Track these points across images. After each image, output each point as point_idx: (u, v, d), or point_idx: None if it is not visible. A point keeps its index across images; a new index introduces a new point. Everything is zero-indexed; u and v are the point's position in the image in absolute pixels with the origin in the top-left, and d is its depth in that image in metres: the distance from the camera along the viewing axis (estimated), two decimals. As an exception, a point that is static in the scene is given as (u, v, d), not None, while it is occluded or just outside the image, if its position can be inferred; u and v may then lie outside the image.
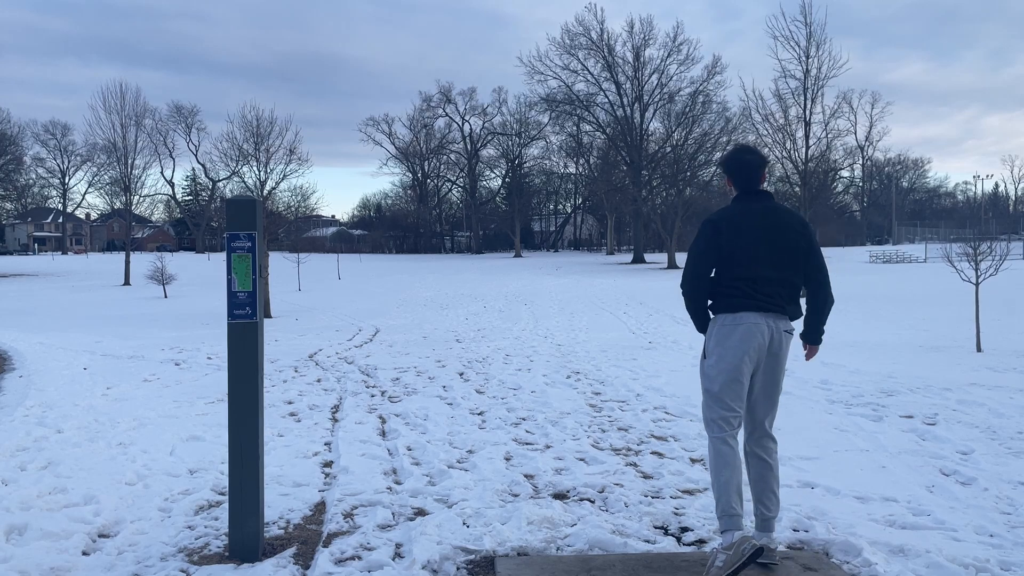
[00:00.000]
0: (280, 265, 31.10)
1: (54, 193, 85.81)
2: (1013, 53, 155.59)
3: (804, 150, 48.08)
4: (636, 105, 54.72)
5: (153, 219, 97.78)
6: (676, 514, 4.24)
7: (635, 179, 53.20)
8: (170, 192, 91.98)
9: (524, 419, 6.71)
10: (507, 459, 5.41)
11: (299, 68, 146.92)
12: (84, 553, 3.80)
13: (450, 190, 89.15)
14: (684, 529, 4.04)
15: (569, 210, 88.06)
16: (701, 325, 3.66)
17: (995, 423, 6.16)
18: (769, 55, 76.20)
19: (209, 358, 10.90)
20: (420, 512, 4.31)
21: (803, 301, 3.61)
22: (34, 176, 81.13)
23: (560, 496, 4.59)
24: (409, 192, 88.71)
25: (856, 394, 7.42)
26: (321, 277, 37.29)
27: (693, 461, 5.32)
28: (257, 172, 30.80)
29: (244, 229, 3.70)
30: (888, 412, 6.64)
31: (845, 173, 71.53)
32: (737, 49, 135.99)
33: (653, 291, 26.15)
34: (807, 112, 47.79)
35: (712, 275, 3.54)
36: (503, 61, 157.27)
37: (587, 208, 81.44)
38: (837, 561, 3.58)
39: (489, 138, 79.41)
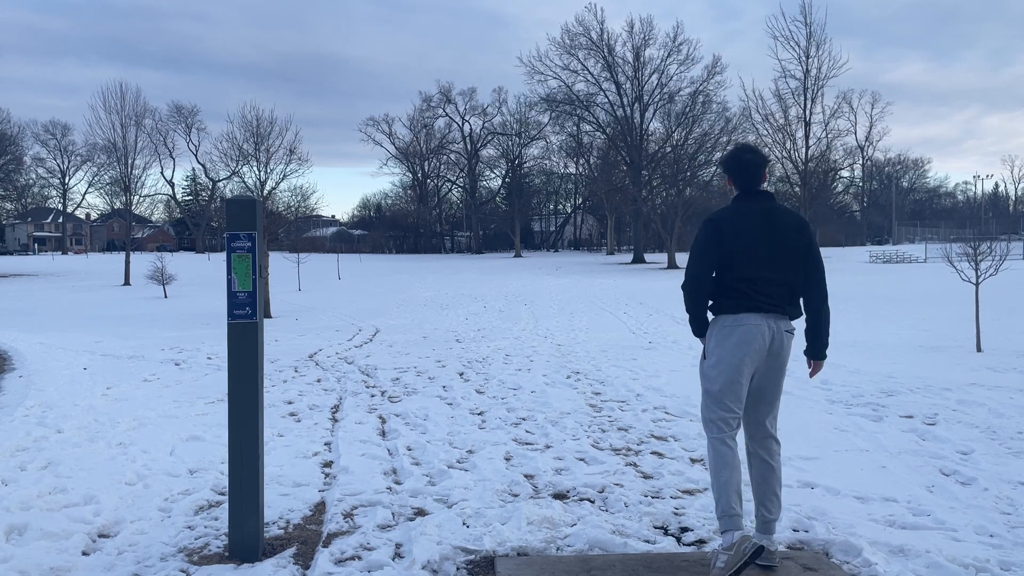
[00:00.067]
0: (280, 265, 31.10)
1: (54, 193, 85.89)
2: (1013, 53, 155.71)
3: (804, 150, 48.19)
4: (636, 105, 54.74)
5: (153, 219, 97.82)
6: (676, 514, 4.24)
7: (635, 179, 53.20)
8: (170, 192, 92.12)
9: (524, 419, 6.71)
10: (507, 459, 5.41)
11: (299, 68, 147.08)
12: (84, 553, 3.80)
13: (450, 190, 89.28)
14: (684, 529, 4.04)
15: (569, 210, 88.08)
16: (698, 328, 3.63)
17: (995, 423, 6.16)
18: (769, 55, 76.38)
19: (209, 358, 10.90)
20: (420, 512, 4.31)
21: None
22: (34, 176, 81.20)
23: (560, 496, 4.59)
24: (409, 192, 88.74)
25: (856, 394, 7.42)
26: (321, 277, 37.29)
27: (693, 461, 5.32)
28: (257, 172, 30.86)
29: (244, 229, 3.70)
30: (888, 412, 6.64)
31: (845, 173, 71.68)
32: (737, 49, 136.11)
33: (653, 291, 26.15)
34: (807, 112, 47.89)
35: (713, 275, 3.53)
36: (503, 61, 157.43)
37: (587, 208, 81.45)
38: (837, 561, 3.58)
39: (489, 138, 79.48)
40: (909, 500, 4.38)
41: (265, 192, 28.44)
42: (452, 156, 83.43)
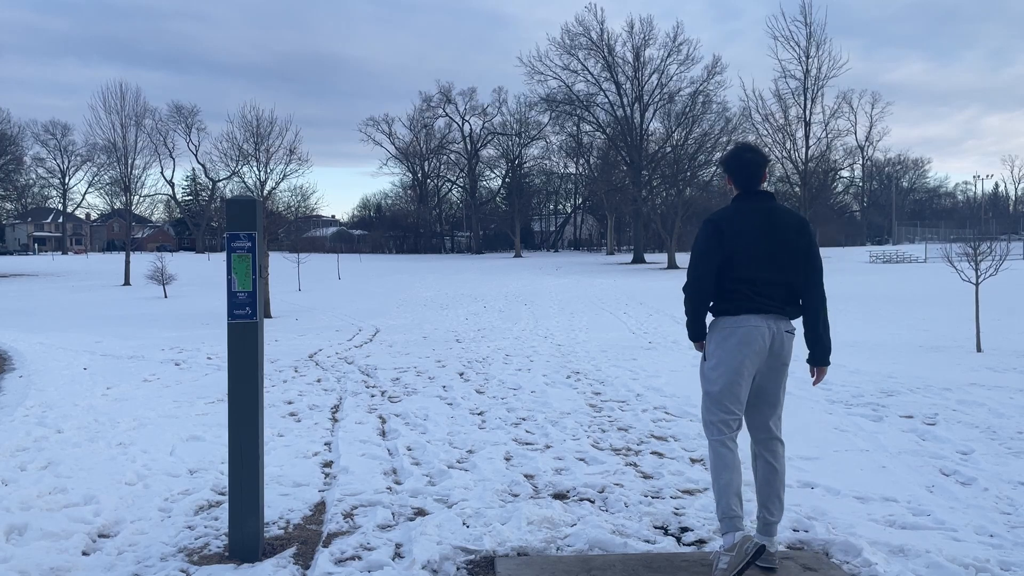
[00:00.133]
0: (280, 265, 31.10)
1: (54, 193, 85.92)
2: (1013, 53, 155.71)
3: (804, 150, 48.20)
4: (636, 105, 54.75)
5: (153, 219, 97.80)
6: (676, 514, 4.24)
7: (635, 179, 53.21)
8: (170, 192, 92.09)
9: (524, 419, 6.71)
10: (507, 459, 5.41)
11: (299, 68, 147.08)
12: (84, 553, 3.80)
13: (450, 190, 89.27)
14: (684, 529, 4.04)
15: (569, 210, 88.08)
16: (696, 332, 3.60)
17: (995, 423, 6.16)
18: (769, 55, 76.49)
19: (209, 358, 10.90)
20: (420, 512, 4.31)
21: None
22: (34, 176, 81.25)
23: (560, 496, 4.59)
24: (409, 192, 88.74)
25: (856, 394, 7.42)
26: (321, 277, 37.29)
27: (693, 461, 5.32)
28: (257, 172, 30.86)
29: (244, 229, 3.70)
30: (888, 412, 6.64)
31: (845, 173, 71.71)
32: (737, 49, 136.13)
33: (653, 291, 26.15)
34: (807, 112, 47.91)
35: (715, 276, 3.50)
36: (503, 61, 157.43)
37: (587, 208, 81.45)
38: (837, 561, 3.58)
39: (489, 138, 79.48)
40: (909, 500, 4.38)
41: (265, 192, 28.44)
42: (452, 156, 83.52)
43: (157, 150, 74.35)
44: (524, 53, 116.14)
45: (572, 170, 73.13)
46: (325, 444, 5.96)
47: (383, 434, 6.26)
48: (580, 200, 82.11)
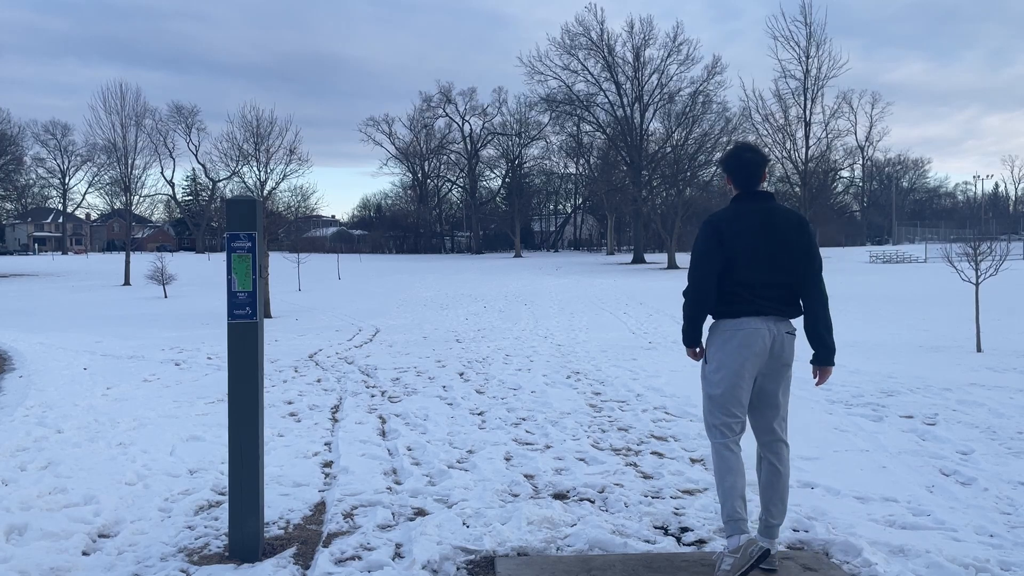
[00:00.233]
0: (280, 265, 31.10)
1: (54, 193, 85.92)
2: (1013, 53, 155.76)
3: (804, 150, 48.22)
4: (636, 105, 54.75)
5: (153, 219, 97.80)
6: (676, 514, 4.24)
7: (635, 179, 53.20)
8: (170, 192, 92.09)
9: (524, 419, 6.71)
10: (507, 459, 5.41)
11: (299, 68, 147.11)
12: (84, 553, 3.80)
13: (450, 190, 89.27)
14: (684, 529, 4.04)
15: (569, 210, 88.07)
16: (692, 338, 3.59)
17: (995, 423, 6.16)
18: (769, 55, 76.52)
19: (209, 358, 10.90)
20: (420, 512, 4.31)
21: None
22: (34, 176, 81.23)
23: (560, 496, 4.59)
24: (409, 192, 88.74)
25: (856, 394, 7.42)
26: (321, 277, 37.29)
27: (693, 461, 5.31)
28: (257, 172, 30.89)
29: (244, 229, 3.70)
30: (888, 412, 6.64)
31: (845, 173, 71.67)
32: (737, 49, 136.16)
33: (653, 291, 26.15)
34: (807, 112, 47.94)
35: (716, 280, 3.46)
36: (503, 61, 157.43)
37: (587, 208, 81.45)
38: (837, 561, 3.58)
39: (489, 138, 79.47)
40: (909, 500, 4.38)
41: (265, 192, 28.45)
42: (452, 156, 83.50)
43: (157, 150, 74.47)
44: (524, 53, 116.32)
45: (572, 170, 73.19)
46: (325, 444, 5.97)
47: (383, 434, 6.26)
48: (580, 200, 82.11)
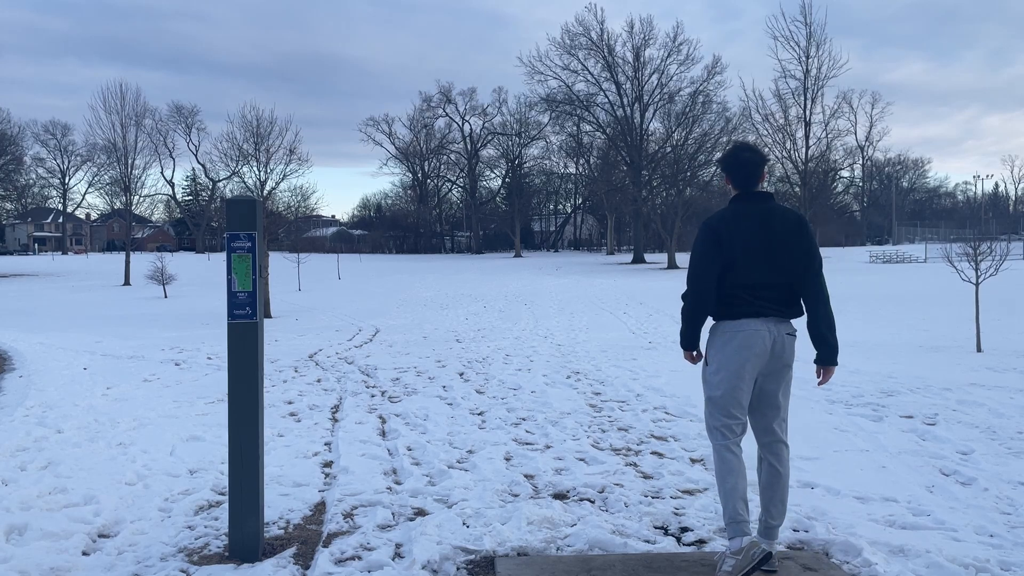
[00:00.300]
0: (280, 265, 31.10)
1: (54, 193, 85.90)
2: (1013, 53, 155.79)
3: (804, 150, 48.24)
4: (636, 105, 54.74)
5: (153, 219, 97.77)
6: (676, 514, 4.24)
7: (635, 179, 53.20)
8: (170, 192, 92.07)
9: (524, 419, 6.71)
10: (507, 459, 5.41)
11: (299, 68, 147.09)
12: (84, 553, 3.80)
13: (450, 190, 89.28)
14: (684, 529, 4.04)
15: (569, 210, 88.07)
16: (690, 341, 3.57)
17: (995, 423, 6.16)
18: (769, 55, 76.55)
19: (209, 358, 10.90)
20: (420, 512, 4.31)
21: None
22: (34, 176, 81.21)
23: (560, 496, 4.59)
24: (409, 192, 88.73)
25: (856, 394, 7.42)
26: (321, 277, 37.29)
27: (693, 461, 5.31)
28: (257, 172, 30.90)
29: (244, 229, 3.70)
30: (888, 412, 6.64)
31: (845, 173, 71.66)
32: (737, 49, 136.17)
33: (653, 291, 26.15)
34: (807, 112, 47.96)
35: (715, 283, 3.44)
36: (503, 61, 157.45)
37: (587, 208, 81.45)
38: (837, 561, 3.58)
39: (489, 138, 79.47)
40: (909, 500, 4.38)
41: (265, 192, 28.45)
42: (452, 156, 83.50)
43: (157, 150, 74.46)
44: (524, 53, 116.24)
45: (572, 170, 73.21)
46: (325, 444, 5.97)
47: (383, 434, 6.26)
48: (580, 200, 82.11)
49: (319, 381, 8.91)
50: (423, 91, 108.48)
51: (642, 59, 54.39)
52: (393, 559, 3.67)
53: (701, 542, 3.87)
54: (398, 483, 4.91)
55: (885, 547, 3.68)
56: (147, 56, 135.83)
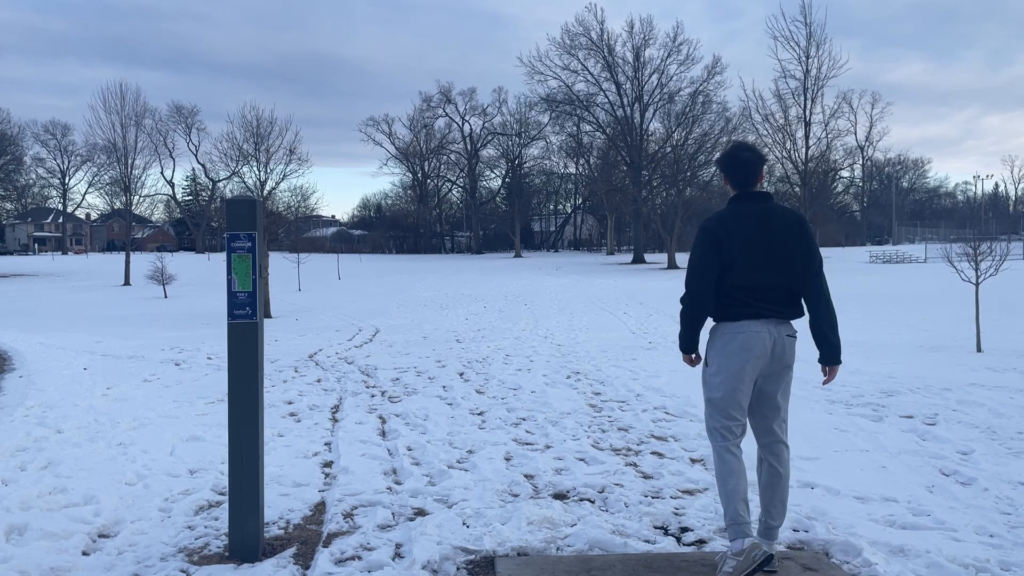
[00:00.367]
0: (280, 265, 31.10)
1: (54, 193, 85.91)
2: (1013, 53, 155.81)
3: (804, 150, 48.29)
4: (636, 105, 54.75)
5: (153, 219, 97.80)
6: (676, 514, 4.24)
7: (635, 179, 53.21)
8: (170, 192, 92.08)
9: (524, 419, 6.70)
10: (507, 459, 5.41)
11: (299, 68, 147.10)
12: (84, 553, 3.80)
13: (450, 190, 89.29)
14: (684, 529, 4.04)
15: (569, 210, 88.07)
16: (689, 345, 3.56)
17: (995, 423, 6.16)
18: (769, 55, 76.63)
19: (209, 358, 10.90)
20: (420, 512, 4.31)
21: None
22: (34, 176, 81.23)
23: (560, 496, 4.59)
24: (409, 192, 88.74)
25: (856, 394, 7.42)
26: (321, 277, 37.29)
27: (693, 461, 5.31)
28: (257, 172, 30.91)
29: (244, 229, 3.70)
30: (888, 412, 6.64)
31: (845, 173, 71.71)
32: (737, 49, 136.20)
33: (653, 291, 26.15)
34: (807, 112, 48.01)
35: (714, 286, 3.43)
36: (503, 61, 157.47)
37: (587, 208, 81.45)
38: (837, 561, 3.58)
39: (489, 138, 79.48)
40: (909, 500, 4.38)
41: (265, 192, 28.46)
42: (452, 156, 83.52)
43: (157, 150, 74.47)
44: (524, 53, 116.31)
45: (572, 170, 73.20)
46: (325, 444, 5.97)
47: (383, 434, 6.26)
48: (580, 200, 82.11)
49: (319, 381, 8.91)
50: (423, 91, 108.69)
51: (642, 59, 54.44)
52: (393, 559, 3.67)
53: (701, 542, 3.87)
54: (398, 483, 4.91)
55: (885, 547, 3.68)
56: (147, 56, 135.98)
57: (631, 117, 54.91)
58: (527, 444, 5.84)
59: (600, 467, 5.18)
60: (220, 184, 78.41)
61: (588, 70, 55.67)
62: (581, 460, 5.37)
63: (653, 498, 4.53)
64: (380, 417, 6.90)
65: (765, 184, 3.58)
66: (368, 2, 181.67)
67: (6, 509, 4.29)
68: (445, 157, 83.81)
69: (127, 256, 37.92)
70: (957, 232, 51.02)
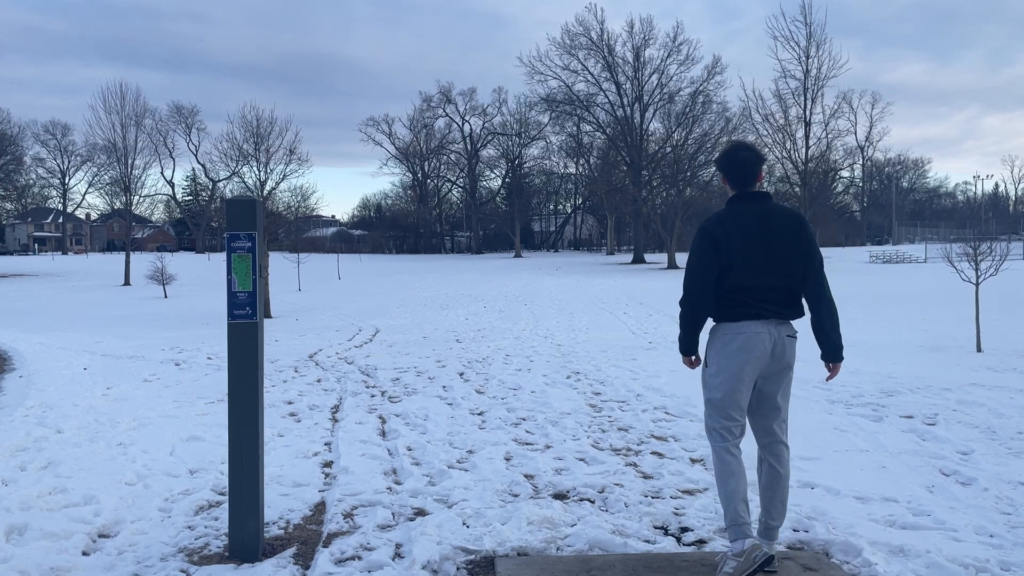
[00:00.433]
0: (280, 265, 31.10)
1: (54, 193, 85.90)
2: (1013, 53, 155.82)
3: (804, 150, 48.28)
4: (636, 105, 54.74)
5: (153, 219, 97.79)
6: (676, 514, 4.24)
7: (635, 179, 53.20)
8: (170, 192, 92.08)
9: (524, 419, 6.70)
10: (507, 459, 5.41)
11: (299, 68, 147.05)
12: (84, 553, 3.80)
13: (450, 190, 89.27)
14: (684, 529, 4.04)
15: (569, 210, 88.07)
16: (690, 346, 3.55)
17: (995, 423, 6.16)
18: (769, 55, 76.62)
19: (209, 358, 10.90)
20: (420, 512, 4.31)
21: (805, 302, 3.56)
22: (34, 176, 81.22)
23: (560, 496, 4.59)
24: (409, 192, 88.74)
25: (856, 394, 7.42)
26: (321, 277, 37.29)
27: (693, 461, 5.31)
28: (257, 172, 30.90)
29: (244, 229, 3.70)
30: (888, 412, 6.64)
31: (845, 173, 71.68)
32: (737, 49, 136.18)
33: (653, 291, 26.15)
34: (807, 112, 48.00)
35: (713, 289, 3.42)
36: (503, 61, 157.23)
37: (587, 208, 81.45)
38: (837, 561, 3.58)
39: (489, 138, 79.46)
40: (909, 500, 4.38)
41: (265, 192, 28.45)
42: (452, 156, 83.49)
43: (157, 150, 74.49)
44: (524, 53, 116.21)
45: (572, 170, 73.16)
46: (325, 444, 5.97)
47: (383, 434, 6.26)
48: (580, 200, 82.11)
49: (319, 381, 8.91)
50: (423, 91, 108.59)
51: (642, 59, 54.42)
52: (393, 559, 3.67)
53: (701, 542, 3.87)
54: (398, 483, 4.91)
55: (885, 547, 3.68)
56: (147, 56, 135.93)
57: (631, 117, 54.91)
58: (527, 444, 5.84)
59: (600, 467, 5.18)
60: (220, 184, 78.47)
61: (588, 70, 55.72)
62: (581, 460, 5.37)
63: (653, 498, 4.53)
64: (380, 417, 6.90)
65: (765, 184, 3.58)
66: (368, 2, 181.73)
67: (6, 509, 4.29)
68: (445, 157, 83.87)
69: (127, 256, 37.92)
70: (957, 232, 51.03)
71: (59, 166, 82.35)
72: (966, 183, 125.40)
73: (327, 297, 26.07)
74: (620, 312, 18.88)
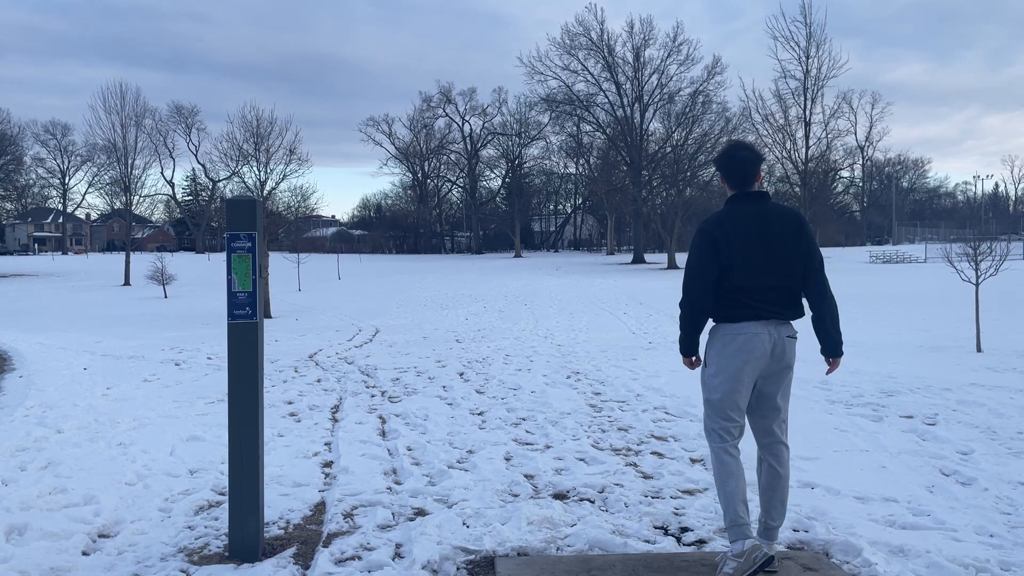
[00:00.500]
0: (280, 265, 31.10)
1: (54, 193, 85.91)
2: (1013, 53, 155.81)
3: (804, 150, 48.33)
4: (636, 105, 54.74)
5: (153, 219, 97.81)
6: (676, 514, 4.24)
7: (635, 179, 53.21)
8: (170, 192, 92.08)
9: (524, 419, 6.70)
10: (507, 459, 5.41)
11: (299, 68, 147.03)
12: (84, 553, 3.80)
13: (450, 190, 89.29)
14: (684, 529, 4.04)
15: (569, 210, 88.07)
16: (690, 348, 3.55)
17: (995, 423, 6.16)
18: (769, 55, 76.58)
19: (209, 358, 10.90)
20: (420, 512, 4.31)
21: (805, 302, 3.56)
22: (34, 176, 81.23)
23: (560, 496, 4.59)
24: (409, 192, 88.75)
25: (856, 394, 7.42)
26: (321, 277, 37.29)
27: (693, 461, 5.31)
28: (257, 172, 30.90)
29: (244, 229, 3.70)
30: (888, 412, 6.64)
31: (845, 173, 71.74)
32: (737, 49, 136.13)
33: (653, 291, 26.15)
34: (807, 112, 48.05)
35: (712, 290, 3.42)
36: (503, 61, 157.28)
37: (587, 208, 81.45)
38: (837, 561, 3.58)
39: (489, 138, 79.47)
40: (909, 500, 4.38)
41: (265, 192, 28.46)
42: (452, 156, 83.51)
43: (157, 150, 74.55)
44: (524, 53, 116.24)
45: (572, 170, 73.17)
46: (325, 444, 5.97)
47: (383, 434, 6.26)
48: (580, 200, 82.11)
49: (319, 381, 8.91)
50: (423, 91, 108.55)
51: (642, 59, 54.42)
52: (393, 559, 3.67)
53: (701, 542, 3.87)
54: (398, 483, 4.91)
55: (885, 547, 3.68)
56: (147, 56, 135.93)
57: (631, 117, 54.91)
58: (527, 444, 5.84)
59: (600, 467, 5.18)
60: (220, 184, 78.46)
61: (588, 70, 55.71)
62: (581, 460, 5.37)
63: (653, 498, 4.53)
64: (380, 417, 6.90)
65: (764, 184, 3.57)
66: (368, 2, 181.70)
67: (6, 509, 4.29)
68: (445, 157, 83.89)
69: (127, 256, 37.93)
70: (957, 232, 51.01)
71: (59, 166, 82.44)
72: (966, 183, 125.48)
73: (327, 297, 26.07)
74: (620, 312, 18.88)
